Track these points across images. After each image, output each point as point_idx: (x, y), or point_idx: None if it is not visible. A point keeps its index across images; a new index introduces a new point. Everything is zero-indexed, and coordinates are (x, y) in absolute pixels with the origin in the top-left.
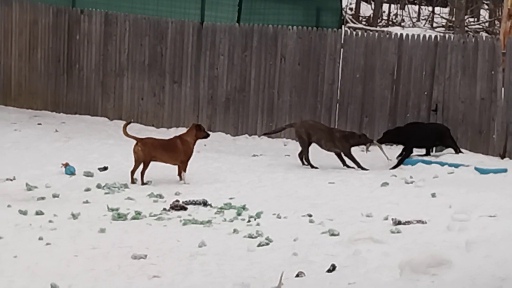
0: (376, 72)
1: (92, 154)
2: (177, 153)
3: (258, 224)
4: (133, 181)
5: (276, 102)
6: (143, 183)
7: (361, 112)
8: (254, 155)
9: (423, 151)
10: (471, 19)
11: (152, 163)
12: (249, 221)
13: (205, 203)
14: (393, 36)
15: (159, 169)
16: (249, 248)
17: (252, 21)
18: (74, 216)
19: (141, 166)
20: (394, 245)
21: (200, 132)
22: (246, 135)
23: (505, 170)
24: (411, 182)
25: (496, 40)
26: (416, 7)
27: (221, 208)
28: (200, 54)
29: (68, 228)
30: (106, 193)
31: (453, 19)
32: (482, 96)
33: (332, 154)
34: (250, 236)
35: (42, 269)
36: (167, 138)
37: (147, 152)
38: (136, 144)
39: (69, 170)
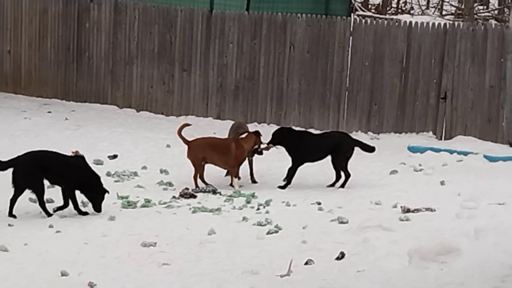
0: (385, 60)
1: (101, 142)
2: (229, 156)
3: (267, 212)
4: (197, 185)
5: (285, 90)
6: (196, 186)
7: (370, 100)
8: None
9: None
10: (480, 7)
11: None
12: (258, 209)
13: (214, 191)
14: (402, 24)
15: (169, 157)
16: (258, 235)
17: (261, 9)
18: (84, 204)
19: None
20: (403, 232)
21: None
22: (256, 123)
23: None
24: (420, 170)
25: (506, 28)
26: None
27: (230, 196)
28: (209, 42)
29: (78, 216)
30: (115, 181)
31: (462, 6)
32: (491, 84)
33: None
34: (259, 224)
35: (53, 256)
36: (221, 138)
37: (193, 154)
38: (187, 148)
39: None
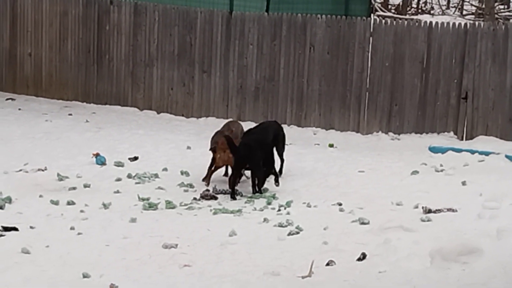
0: (405, 60)
1: (122, 144)
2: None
3: (288, 213)
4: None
5: (306, 91)
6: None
7: (390, 101)
8: None
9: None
10: (501, 6)
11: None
12: (279, 210)
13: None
14: (422, 24)
15: (190, 159)
16: (279, 237)
17: (281, 10)
18: (105, 206)
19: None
20: (425, 233)
21: None
22: None
23: None
24: (441, 170)
25: None
26: None
27: (251, 197)
28: (229, 44)
29: (99, 218)
30: (136, 183)
31: (483, 6)
32: None
33: (362, 142)
34: (280, 225)
35: (74, 258)
36: None
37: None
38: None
39: (100, 160)
